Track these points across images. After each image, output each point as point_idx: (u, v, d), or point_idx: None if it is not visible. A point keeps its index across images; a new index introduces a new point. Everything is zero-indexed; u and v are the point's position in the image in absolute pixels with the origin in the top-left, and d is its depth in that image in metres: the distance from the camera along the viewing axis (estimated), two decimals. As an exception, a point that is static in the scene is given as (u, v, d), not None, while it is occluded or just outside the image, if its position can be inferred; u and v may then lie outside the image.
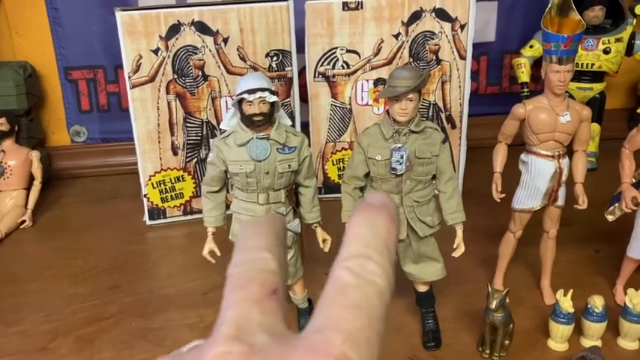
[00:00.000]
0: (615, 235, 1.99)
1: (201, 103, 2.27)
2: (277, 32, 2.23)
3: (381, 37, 2.28)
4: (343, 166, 2.41)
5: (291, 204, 1.64)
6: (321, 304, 0.33)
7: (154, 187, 2.33)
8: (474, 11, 2.26)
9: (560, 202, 1.75)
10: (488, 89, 2.99)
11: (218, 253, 1.64)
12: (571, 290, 1.62)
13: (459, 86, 2.37)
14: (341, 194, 1.65)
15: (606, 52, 2.56)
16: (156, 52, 2.17)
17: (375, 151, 1.54)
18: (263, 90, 1.50)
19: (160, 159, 2.30)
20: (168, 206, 2.38)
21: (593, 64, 2.59)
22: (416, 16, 2.26)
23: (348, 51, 2.30)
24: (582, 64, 2.56)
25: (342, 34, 2.27)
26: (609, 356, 1.59)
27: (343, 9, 2.24)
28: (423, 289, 1.70)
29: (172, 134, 2.28)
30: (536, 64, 2.61)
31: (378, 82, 2.33)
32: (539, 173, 1.71)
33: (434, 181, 1.61)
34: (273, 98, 1.52)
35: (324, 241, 1.68)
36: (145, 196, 2.34)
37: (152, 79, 2.20)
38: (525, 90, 2.65)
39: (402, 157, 1.52)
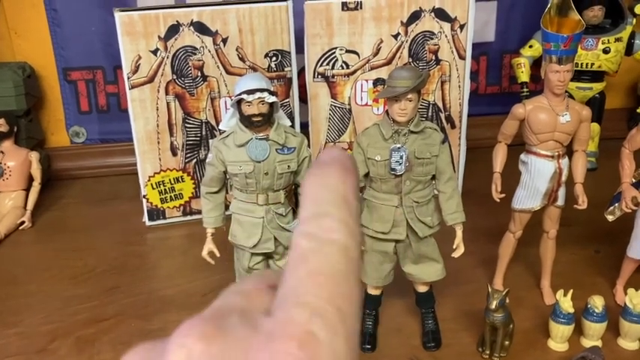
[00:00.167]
0: (615, 235, 1.99)
1: (200, 104, 2.27)
2: (276, 32, 2.23)
3: (381, 37, 2.28)
4: (343, 167, 2.40)
5: (291, 205, 1.64)
6: (282, 278, 0.31)
7: (153, 188, 2.33)
8: (474, 11, 2.26)
9: (560, 202, 1.75)
10: (488, 89, 2.99)
11: (217, 254, 1.64)
12: (571, 290, 1.62)
13: (459, 86, 2.37)
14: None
15: (606, 51, 2.56)
16: (155, 52, 2.16)
17: (375, 151, 1.54)
18: (262, 90, 1.50)
19: (159, 160, 2.30)
20: (168, 207, 2.37)
21: (592, 64, 2.59)
22: (415, 16, 2.26)
23: (347, 51, 2.29)
24: (582, 63, 2.56)
25: (342, 34, 2.27)
26: (609, 356, 1.59)
27: (342, 9, 2.23)
28: (422, 289, 1.70)
29: (171, 135, 2.28)
30: (536, 64, 2.61)
31: (377, 82, 2.33)
32: (538, 173, 1.71)
33: (433, 182, 1.61)
34: (272, 99, 1.52)
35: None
36: (144, 196, 2.33)
37: (151, 80, 2.19)
38: (525, 90, 2.65)
39: (401, 157, 1.51)
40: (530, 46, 2.67)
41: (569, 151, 1.74)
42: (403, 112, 1.49)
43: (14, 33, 2.67)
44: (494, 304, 1.55)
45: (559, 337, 1.64)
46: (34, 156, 2.46)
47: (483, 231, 2.08)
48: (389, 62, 2.31)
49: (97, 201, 2.59)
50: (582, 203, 1.70)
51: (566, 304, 1.60)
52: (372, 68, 2.32)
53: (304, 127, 2.39)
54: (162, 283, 2.01)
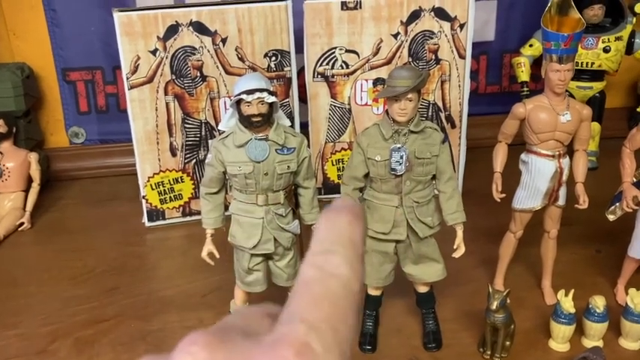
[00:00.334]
0: (616, 235, 1.98)
1: (199, 104, 2.26)
2: (276, 32, 2.23)
3: (380, 37, 2.27)
4: (343, 167, 2.40)
5: (291, 205, 1.63)
6: (287, 302, 0.34)
7: (152, 189, 2.32)
8: (474, 10, 2.25)
9: (561, 201, 1.74)
10: (488, 88, 2.98)
11: (217, 255, 1.64)
12: (572, 290, 1.61)
13: (459, 86, 2.36)
14: (340, 195, 1.64)
15: (606, 50, 2.55)
16: (154, 52, 2.16)
17: (375, 151, 1.53)
18: (261, 90, 1.49)
19: (159, 160, 2.29)
20: (167, 208, 2.37)
21: (592, 63, 2.58)
22: (415, 16, 2.25)
23: (347, 51, 2.29)
24: (582, 62, 2.56)
25: (341, 33, 2.26)
26: (611, 357, 1.59)
27: (342, 9, 2.23)
28: (423, 290, 1.69)
29: (171, 135, 2.27)
30: (536, 63, 2.60)
31: (377, 81, 2.32)
32: (539, 173, 1.70)
33: (434, 182, 1.61)
34: (272, 99, 1.51)
35: (323, 242, 1.67)
36: (143, 197, 2.33)
37: (150, 80, 2.19)
38: (525, 89, 2.65)
39: (401, 157, 1.51)
40: (531, 45, 2.66)
41: (570, 151, 1.73)
42: (403, 111, 1.48)
43: (13, 34, 2.67)
44: (494, 305, 1.54)
45: (560, 337, 1.63)
46: (33, 157, 2.45)
47: (484, 231, 2.08)
48: (389, 62, 2.30)
49: (96, 202, 2.58)
50: (583, 203, 1.69)
51: (567, 304, 1.60)
52: (371, 68, 2.31)
53: (304, 127, 2.38)
54: (162, 283, 2.00)
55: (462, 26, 2.27)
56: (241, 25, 2.19)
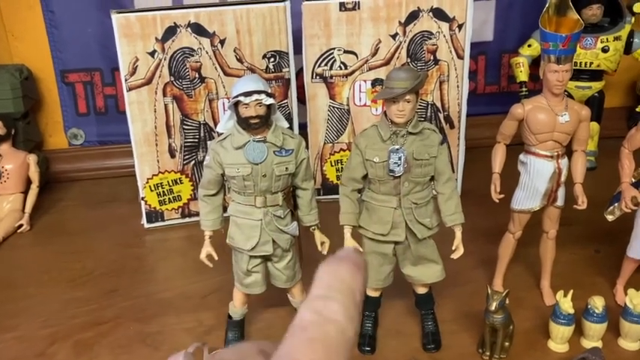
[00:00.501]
0: (615, 235, 1.98)
1: (198, 105, 2.26)
2: (274, 33, 2.22)
3: (379, 38, 2.27)
4: (342, 167, 2.40)
5: (289, 207, 1.63)
6: (283, 341, 0.35)
7: (151, 190, 2.32)
8: (472, 10, 2.25)
9: (560, 202, 1.74)
10: (487, 89, 2.98)
11: (215, 257, 1.63)
12: (571, 291, 1.61)
13: (457, 86, 2.36)
14: (339, 196, 1.64)
15: (605, 50, 2.55)
16: (152, 54, 2.16)
17: (373, 152, 1.53)
18: (259, 92, 1.49)
19: (158, 162, 2.29)
20: (166, 209, 2.37)
21: (591, 63, 2.58)
22: (413, 16, 2.25)
23: (345, 52, 2.29)
24: (581, 62, 2.56)
25: (340, 34, 2.26)
26: (610, 357, 1.59)
27: (340, 9, 2.23)
28: (422, 291, 1.69)
29: (169, 137, 2.27)
30: (535, 63, 2.60)
31: (375, 82, 2.32)
32: (538, 174, 1.70)
33: (432, 183, 1.60)
34: (270, 100, 1.51)
35: (322, 243, 1.67)
36: (142, 199, 2.33)
37: (149, 82, 2.19)
38: (524, 89, 2.64)
39: (399, 158, 1.51)
40: (529, 45, 2.66)
41: (569, 151, 1.73)
42: (401, 113, 1.48)
43: (11, 35, 2.67)
44: (493, 306, 1.54)
45: (559, 337, 1.63)
46: (32, 158, 2.45)
47: (483, 231, 2.08)
48: (387, 62, 2.30)
49: (95, 203, 2.58)
50: (582, 204, 1.69)
51: (567, 304, 1.60)
52: (370, 69, 2.31)
53: (303, 128, 2.38)
54: (161, 285, 2.00)
55: (460, 26, 2.27)
56: (240, 26, 2.19)
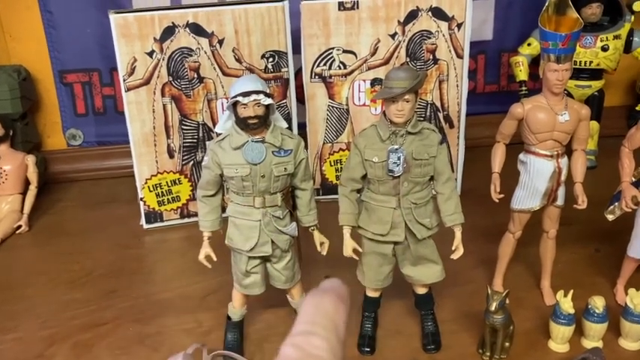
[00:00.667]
0: (615, 235, 1.98)
1: (196, 106, 2.25)
2: (273, 33, 2.22)
3: (378, 37, 2.27)
4: (341, 167, 2.39)
5: (288, 207, 1.62)
6: None
7: (150, 191, 2.31)
8: (471, 10, 2.25)
9: (560, 201, 1.74)
10: (486, 88, 2.98)
11: (214, 258, 1.63)
12: (571, 291, 1.61)
13: (457, 85, 2.36)
14: (338, 196, 1.63)
15: (604, 49, 2.54)
16: (150, 54, 2.15)
17: (372, 152, 1.52)
18: (258, 92, 1.49)
19: (156, 162, 2.29)
20: (165, 209, 2.36)
21: (591, 62, 2.57)
22: (412, 16, 2.24)
23: (344, 51, 2.28)
24: (580, 61, 2.55)
25: (339, 34, 2.26)
26: (611, 357, 1.58)
27: (339, 9, 2.22)
28: (422, 291, 1.69)
29: (168, 137, 2.27)
30: (535, 62, 2.60)
31: (375, 82, 2.32)
32: (538, 173, 1.69)
33: (432, 183, 1.60)
34: (268, 101, 1.50)
35: (321, 244, 1.66)
36: (141, 199, 2.32)
37: (147, 82, 2.18)
38: (524, 88, 2.64)
39: (399, 158, 1.50)
40: (529, 44, 2.65)
41: (569, 151, 1.73)
42: (400, 113, 1.48)
43: (9, 36, 2.66)
44: (493, 306, 1.54)
45: (559, 338, 1.62)
46: (31, 159, 2.45)
47: (482, 231, 2.07)
48: (386, 62, 2.30)
49: (94, 204, 2.58)
50: (582, 203, 1.68)
51: (567, 304, 1.59)
52: (369, 68, 2.31)
53: (302, 128, 2.38)
54: (160, 286, 2.00)
55: (459, 26, 2.27)
56: (238, 26, 2.19)
